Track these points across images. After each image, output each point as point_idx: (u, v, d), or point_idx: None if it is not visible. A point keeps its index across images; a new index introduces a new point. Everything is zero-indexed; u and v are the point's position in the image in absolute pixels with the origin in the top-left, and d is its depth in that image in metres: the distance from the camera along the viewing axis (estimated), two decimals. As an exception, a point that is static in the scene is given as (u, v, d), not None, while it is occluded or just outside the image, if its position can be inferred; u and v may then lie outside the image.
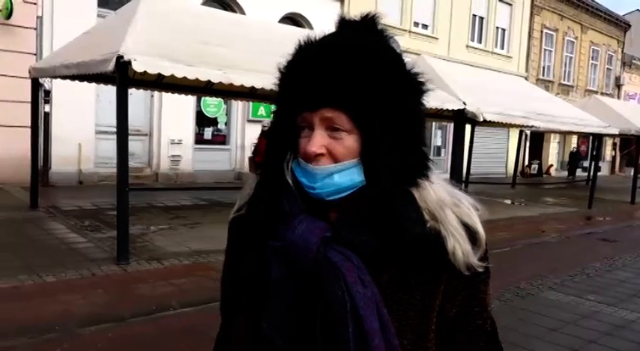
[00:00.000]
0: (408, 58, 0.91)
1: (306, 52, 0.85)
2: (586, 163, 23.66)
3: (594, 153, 15.68)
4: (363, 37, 0.85)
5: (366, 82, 0.81)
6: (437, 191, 0.89)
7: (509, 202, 13.46)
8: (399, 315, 0.84)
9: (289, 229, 0.83)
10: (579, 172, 23.49)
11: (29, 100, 8.11)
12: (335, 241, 0.83)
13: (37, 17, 10.23)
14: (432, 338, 0.88)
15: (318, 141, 0.82)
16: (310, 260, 0.81)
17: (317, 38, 0.86)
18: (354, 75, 0.80)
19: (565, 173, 24.20)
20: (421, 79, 0.88)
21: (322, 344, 0.81)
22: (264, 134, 11.31)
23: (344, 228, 0.83)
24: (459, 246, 0.86)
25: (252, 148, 11.79)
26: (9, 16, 9.76)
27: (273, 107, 0.93)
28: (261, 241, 0.87)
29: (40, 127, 8.73)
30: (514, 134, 19.99)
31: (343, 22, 0.89)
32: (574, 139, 25.48)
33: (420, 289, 0.86)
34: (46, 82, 9.76)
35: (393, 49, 0.88)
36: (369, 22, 0.88)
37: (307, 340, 0.83)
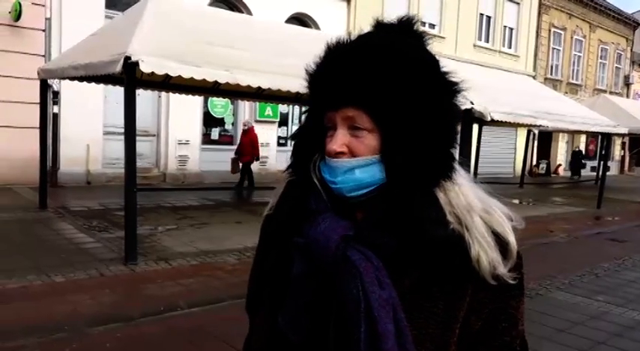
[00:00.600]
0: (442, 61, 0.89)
1: (333, 53, 0.86)
2: (591, 163, 23.53)
3: (603, 152, 15.56)
4: (389, 38, 0.85)
5: (386, 81, 0.80)
6: (466, 195, 0.87)
7: (517, 201, 13.40)
8: (419, 323, 0.82)
9: (313, 226, 0.84)
10: (586, 172, 23.32)
11: (38, 101, 8.18)
12: (357, 241, 0.82)
13: (46, 19, 10.30)
14: (453, 350, 0.86)
15: (339, 139, 0.83)
16: (330, 257, 0.81)
17: (345, 40, 0.86)
18: (374, 74, 0.81)
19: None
20: (453, 79, 0.87)
21: (335, 343, 0.81)
22: (245, 134, 11.53)
23: (366, 228, 0.83)
24: (484, 253, 0.83)
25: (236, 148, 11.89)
26: (18, 17, 9.84)
27: (304, 108, 0.93)
28: (287, 238, 0.88)
29: (48, 127, 8.79)
30: (522, 134, 19.91)
31: (378, 25, 0.90)
32: (582, 139, 25.32)
33: (444, 299, 0.84)
34: (55, 84, 9.82)
35: (425, 50, 0.87)
36: (405, 24, 0.88)
37: (321, 337, 0.82)
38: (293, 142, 0.93)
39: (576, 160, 22.53)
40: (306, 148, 0.90)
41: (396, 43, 0.84)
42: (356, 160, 0.83)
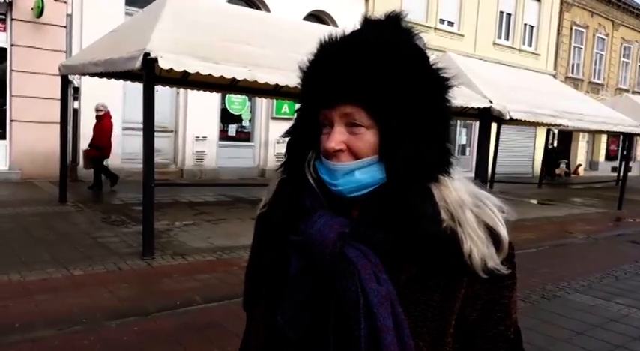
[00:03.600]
0: (433, 55, 0.89)
1: (327, 49, 0.86)
2: (612, 164, 23.02)
3: (624, 153, 15.29)
4: (382, 34, 0.84)
5: (384, 77, 0.80)
6: (458, 190, 0.87)
7: (535, 202, 13.25)
8: (415, 316, 0.83)
9: (309, 224, 0.84)
10: (607, 173, 22.92)
11: (59, 96, 8.31)
12: (353, 238, 0.83)
13: (67, 15, 10.45)
14: (449, 341, 0.87)
15: (337, 137, 0.83)
16: (326, 255, 0.81)
17: (338, 36, 0.86)
18: (371, 70, 0.80)
19: (594, 173, 23.67)
20: (445, 75, 0.87)
21: (334, 340, 0.81)
22: (98, 121, 9.50)
23: (362, 224, 0.83)
24: (475, 248, 0.84)
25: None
26: (40, 14, 9.99)
27: (297, 105, 0.93)
28: (283, 236, 0.88)
29: (69, 123, 8.93)
30: (541, 133, 19.67)
31: (366, 21, 0.89)
32: (603, 139, 24.93)
33: (440, 291, 0.85)
34: (75, 79, 9.96)
35: (416, 45, 0.87)
36: (393, 20, 0.88)
37: (319, 334, 0.83)
38: (286, 140, 0.93)
39: (550, 158, 19.94)
40: (300, 146, 0.90)
41: (391, 39, 0.83)
42: (355, 163, 0.83)
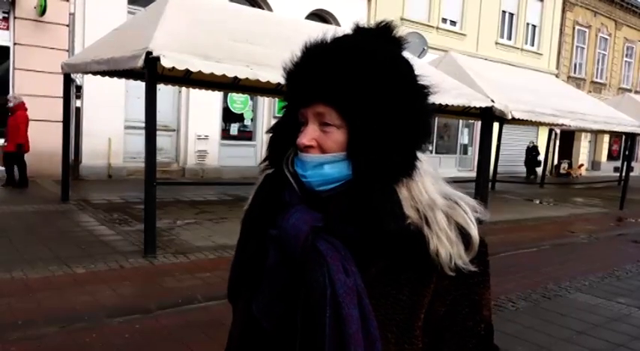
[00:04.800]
0: (417, 63, 0.92)
1: (307, 52, 0.91)
2: (614, 164, 22.97)
3: (627, 153, 15.27)
4: (362, 40, 0.90)
5: (354, 80, 0.84)
6: (429, 191, 0.90)
7: (537, 201, 13.23)
8: (385, 308, 0.86)
9: (285, 218, 0.89)
10: (609, 173, 22.89)
11: (61, 95, 8.32)
12: (326, 232, 0.87)
13: (70, 14, 10.47)
14: (417, 334, 0.89)
15: (309, 134, 0.88)
16: (299, 247, 0.86)
17: (321, 40, 0.91)
18: (343, 72, 0.85)
19: (596, 173, 23.64)
20: (423, 83, 0.91)
21: (302, 328, 0.85)
22: (12, 112, 8.80)
23: (334, 219, 0.88)
24: (442, 247, 0.86)
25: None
26: (43, 12, 10.01)
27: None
28: (264, 230, 0.93)
29: (71, 121, 8.93)
30: (543, 133, 19.64)
31: (357, 29, 0.94)
32: (605, 139, 24.89)
33: (409, 286, 0.88)
34: (78, 78, 9.98)
35: (396, 54, 0.91)
36: (382, 29, 0.93)
37: (291, 323, 0.87)
38: (269, 136, 0.98)
39: (530, 157, 19.73)
40: (281, 142, 0.95)
41: (367, 46, 0.88)
42: (325, 157, 0.88)
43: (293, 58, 0.92)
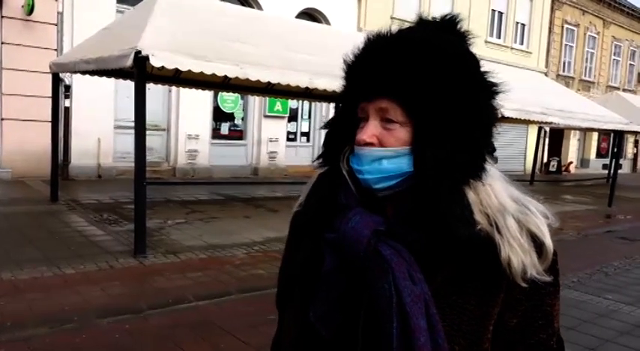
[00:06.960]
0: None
1: (371, 45, 0.86)
2: (603, 161, 23.16)
3: (615, 150, 15.42)
4: (428, 33, 0.85)
5: (421, 75, 0.80)
6: (499, 196, 0.85)
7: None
8: (451, 319, 0.82)
9: (344, 221, 0.83)
10: (598, 170, 23.08)
11: (50, 94, 8.25)
12: (388, 236, 0.82)
13: (58, 13, 10.38)
14: (486, 347, 0.85)
15: (370, 130, 0.83)
16: (361, 252, 0.80)
17: (385, 33, 0.86)
18: (409, 66, 0.81)
19: (585, 170, 23.83)
20: (492, 80, 0.86)
21: (364, 338, 0.81)
22: None
23: (396, 223, 0.83)
24: (515, 256, 0.82)
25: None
26: (30, 11, 9.92)
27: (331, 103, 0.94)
28: (318, 233, 0.88)
29: (60, 121, 8.87)
30: (533, 131, 19.75)
31: (420, 21, 0.90)
32: (595, 136, 25.09)
33: (477, 295, 0.83)
34: (67, 77, 9.91)
35: (464, 49, 0.87)
36: (447, 22, 0.89)
37: (351, 332, 0.82)
38: (325, 132, 0.93)
39: None
40: (337, 138, 0.90)
41: (434, 39, 0.83)
42: (384, 150, 0.83)
43: (354, 50, 0.87)
